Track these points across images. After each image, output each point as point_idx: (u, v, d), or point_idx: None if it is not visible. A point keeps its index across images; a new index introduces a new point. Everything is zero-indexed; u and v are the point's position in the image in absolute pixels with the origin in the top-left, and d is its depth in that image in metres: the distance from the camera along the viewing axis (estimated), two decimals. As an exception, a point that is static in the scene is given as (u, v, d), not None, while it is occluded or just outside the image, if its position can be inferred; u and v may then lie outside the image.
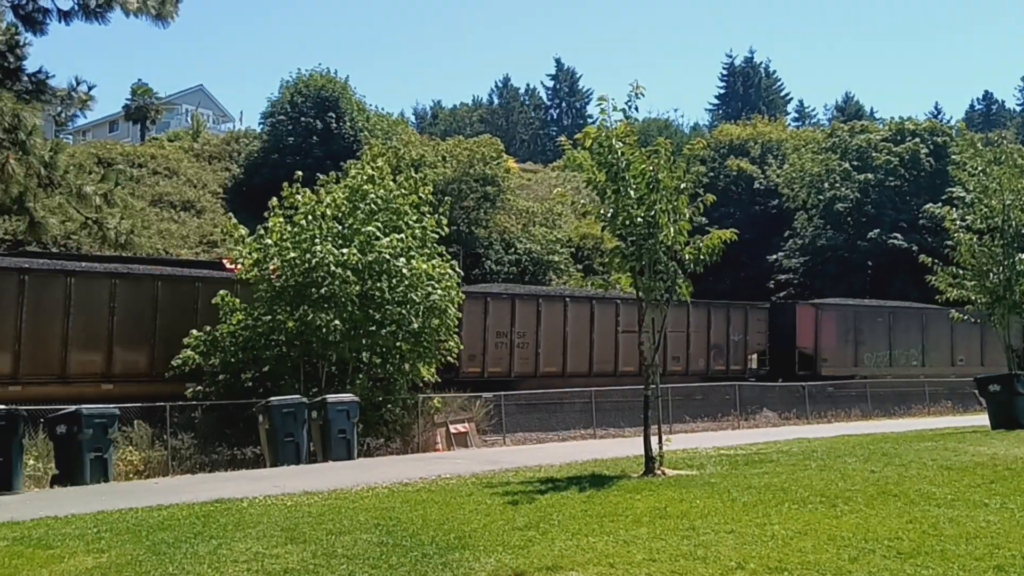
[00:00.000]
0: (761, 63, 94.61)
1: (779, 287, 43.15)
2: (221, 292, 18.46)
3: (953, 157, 28.98)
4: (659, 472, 12.36)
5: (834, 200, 43.23)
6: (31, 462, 14.80)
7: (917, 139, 44.18)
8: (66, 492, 12.90)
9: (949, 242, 20.93)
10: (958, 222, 20.16)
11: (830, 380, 29.66)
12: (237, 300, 18.45)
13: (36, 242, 23.65)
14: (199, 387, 17.85)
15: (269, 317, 17.94)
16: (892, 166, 43.15)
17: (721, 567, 6.94)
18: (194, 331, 18.18)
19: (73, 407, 14.23)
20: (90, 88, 16.42)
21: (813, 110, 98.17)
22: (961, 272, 19.92)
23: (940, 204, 27.58)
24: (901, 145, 43.98)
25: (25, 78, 15.57)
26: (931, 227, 40.76)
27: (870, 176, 42.93)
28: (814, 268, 43.39)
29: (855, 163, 44.02)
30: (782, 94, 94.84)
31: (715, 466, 13.28)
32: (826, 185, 43.84)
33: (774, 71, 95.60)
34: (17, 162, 13.10)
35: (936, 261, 20.34)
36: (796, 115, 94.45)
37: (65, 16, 15.14)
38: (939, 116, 74.50)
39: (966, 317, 21.46)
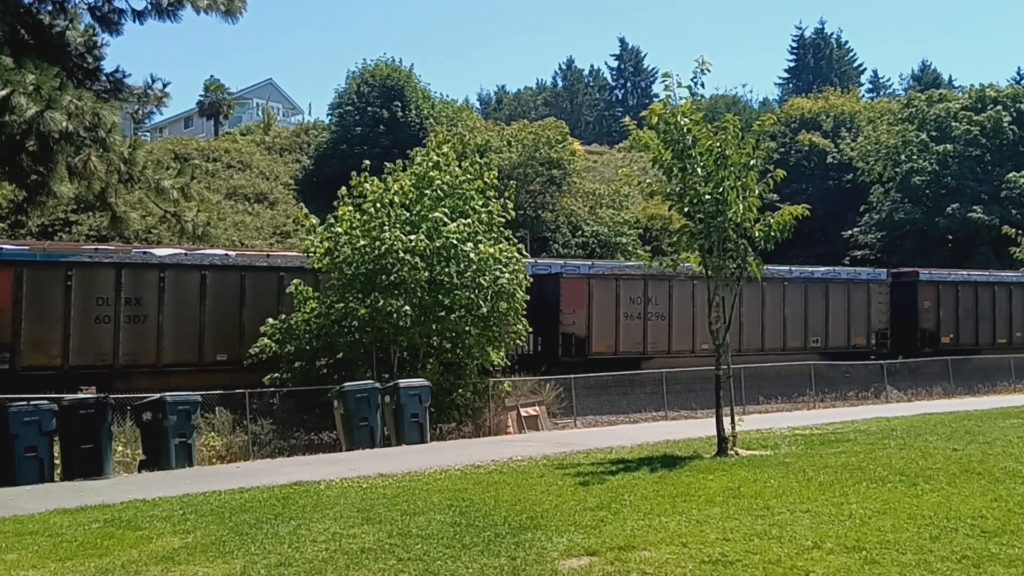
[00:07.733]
0: (832, 34, 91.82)
1: (855, 264, 42.11)
2: (295, 281, 18.85)
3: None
4: (732, 452, 12.24)
5: (911, 173, 41.89)
6: (120, 448, 15.37)
7: (999, 107, 42.48)
8: (153, 476, 13.38)
9: None
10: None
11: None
12: (310, 289, 18.79)
13: (119, 236, 24.44)
14: (276, 374, 18.27)
15: (342, 305, 18.24)
16: (973, 136, 41.57)
17: (797, 546, 6.85)
18: (270, 319, 18.59)
19: (157, 395, 14.71)
20: (165, 86, 16.91)
21: (888, 80, 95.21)
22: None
23: (1024, 173, 26.52)
24: (982, 114, 42.32)
25: (103, 77, 16.09)
26: (1015, 198, 39.28)
27: (949, 147, 41.45)
28: (891, 243, 42.24)
29: (933, 134, 42.56)
30: (855, 65, 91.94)
31: (790, 446, 13.09)
32: (903, 157, 42.49)
33: (846, 42, 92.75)
34: (98, 159, 13.54)
35: (1020, 232, 19.61)
36: (870, 86, 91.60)
37: (139, 15, 15.58)
38: (1022, 82, 71.28)
39: None
